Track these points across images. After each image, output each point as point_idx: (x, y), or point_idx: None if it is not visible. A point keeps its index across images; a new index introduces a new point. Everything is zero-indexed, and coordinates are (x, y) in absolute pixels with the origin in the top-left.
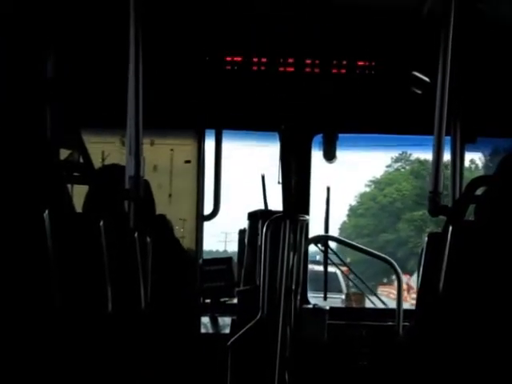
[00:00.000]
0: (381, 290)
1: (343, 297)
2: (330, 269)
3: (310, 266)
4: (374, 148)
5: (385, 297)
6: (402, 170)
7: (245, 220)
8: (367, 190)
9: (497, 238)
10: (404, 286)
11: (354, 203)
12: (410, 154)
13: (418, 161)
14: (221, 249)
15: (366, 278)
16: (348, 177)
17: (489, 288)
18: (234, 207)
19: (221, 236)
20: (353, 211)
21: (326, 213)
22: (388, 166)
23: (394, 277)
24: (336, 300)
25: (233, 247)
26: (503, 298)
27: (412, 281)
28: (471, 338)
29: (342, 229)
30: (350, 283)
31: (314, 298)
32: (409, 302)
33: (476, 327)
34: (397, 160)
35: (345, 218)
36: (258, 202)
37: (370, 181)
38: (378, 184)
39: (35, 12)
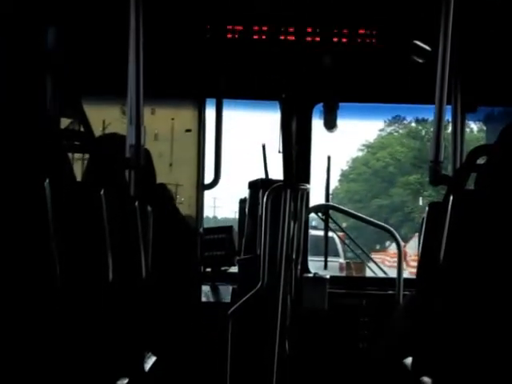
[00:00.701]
0: (374, 257)
1: (341, 260)
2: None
3: (311, 232)
4: (371, 115)
5: (379, 263)
6: (396, 133)
7: (234, 186)
8: (360, 154)
9: (498, 207)
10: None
11: (345, 168)
12: (404, 118)
13: (416, 120)
14: (210, 214)
15: (359, 245)
16: (340, 141)
17: (490, 257)
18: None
19: (210, 201)
20: (345, 176)
21: (326, 182)
22: (381, 130)
23: (387, 243)
24: (334, 264)
25: (222, 213)
26: (504, 266)
27: (408, 247)
28: (472, 306)
29: (334, 194)
30: (347, 248)
31: (312, 262)
32: (406, 270)
33: (477, 296)
34: (390, 123)
35: (337, 184)
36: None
37: (363, 145)
38: (371, 148)
39: None
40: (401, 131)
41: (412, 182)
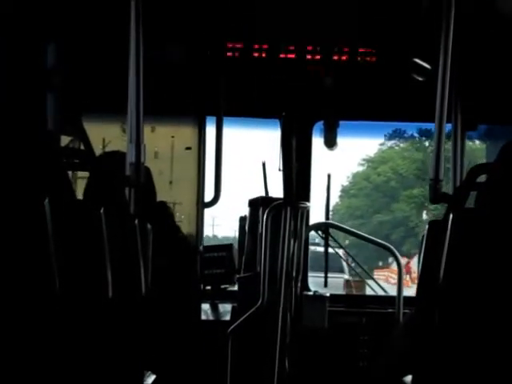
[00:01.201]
0: (378, 274)
1: (346, 276)
2: (332, 250)
3: (312, 248)
4: (371, 132)
5: (383, 281)
6: (397, 147)
7: (233, 205)
8: (360, 169)
9: (498, 225)
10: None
11: (346, 183)
12: (405, 131)
13: (419, 130)
14: (209, 233)
15: (361, 262)
16: (340, 156)
17: (490, 276)
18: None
19: (209, 220)
20: (345, 192)
21: (326, 200)
22: (382, 144)
23: (390, 260)
24: (339, 280)
25: (221, 231)
26: (504, 285)
27: (413, 263)
28: (472, 326)
29: (334, 210)
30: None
31: (315, 278)
32: (411, 287)
33: (477, 315)
34: (391, 137)
35: (337, 200)
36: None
37: (364, 159)
38: (372, 163)
39: (35, 1)
40: (402, 145)
41: (416, 195)
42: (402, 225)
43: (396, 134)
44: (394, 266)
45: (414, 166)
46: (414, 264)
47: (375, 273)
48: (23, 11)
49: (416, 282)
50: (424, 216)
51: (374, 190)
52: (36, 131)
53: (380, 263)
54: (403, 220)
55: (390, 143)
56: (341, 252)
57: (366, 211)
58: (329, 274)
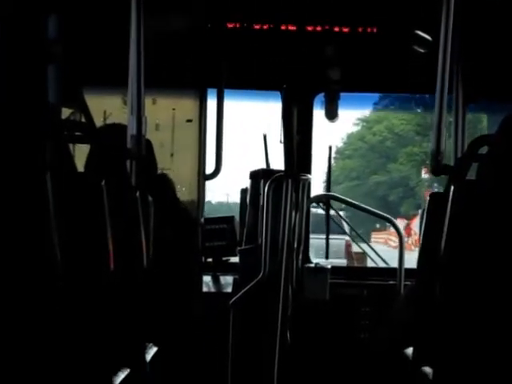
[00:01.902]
0: (376, 237)
1: (347, 238)
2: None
3: (313, 210)
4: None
5: (383, 244)
6: (392, 106)
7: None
8: (355, 129)
9: (499, 197)
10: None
11: (340, 145)
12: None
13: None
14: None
15: (358, 224)
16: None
17: (491, 248)
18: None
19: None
20: (340, 153)
21: (327, 172)
22: (375, 104)
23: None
24: (341, 242)
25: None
26: (505, 257)
27: (413, 225)
28: (473, 297)
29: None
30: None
31: (316, 240)
32: (414, 251)
33: (478, 287)
34: (384, 97)
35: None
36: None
37: (358, 119)
38: (367, 122)
39: None
40: (397, 103)
41: (416, 152)
42: (400, 185)
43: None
44: (392, 229)
45: (415, 121)
46: (415, 226)
47: (373, 235)
48: None
49: (418, 244)
50: (423, 175)
51: (369, 151)
52: (36, 104)
53: (377, 225)
54: (400, 180)
55: (384, 102)
56: (342, 213)
57: (361, 172)
58: (330, 236)
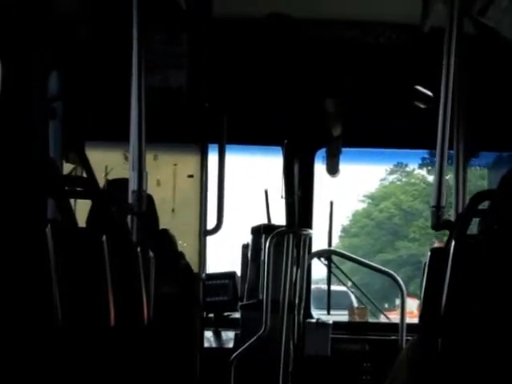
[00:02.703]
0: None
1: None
2: (342, 288)
3: (322, 286)
4: (373, 162)
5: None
6: (398, 182)
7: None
8: (361, 206)
9: (501, 252)
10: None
11: (346, 222)
12: (406, 165)
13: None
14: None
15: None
16: (339, 193)
17: (493, 304)
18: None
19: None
20: (346, 231)
21: (329, 227)
22: (382, 180)
23: (397, 301)
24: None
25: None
26: (508, 313)
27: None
28: (475, 354)
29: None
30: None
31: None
32: None
33: (480, 343)
34: (392, 172)
35: (337, 240)
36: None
37: (364, 196)
38: (373, 199)
39: (37, 28)
40: (404, 179)
41: (429, 225)
42: (408, 264)
43: (397, 168)
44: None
45: (425, 192)
46: None
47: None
48: (26, 39)
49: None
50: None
51: (376, 228)
52: (38, 159)
53: (386, 305)
54: (408, 258)
55: (391, 178)
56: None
57: (368, 250)
58: (338, 312)
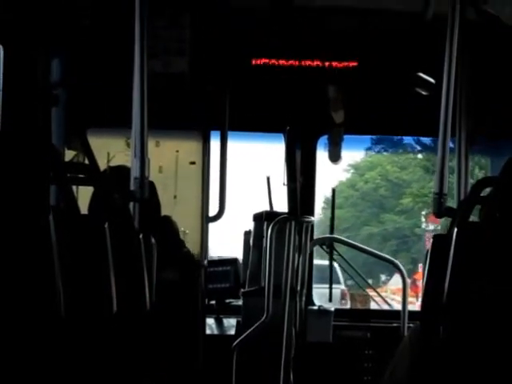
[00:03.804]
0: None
1: (342, 287)
2: (326, 262)
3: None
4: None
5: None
6: (385, 152)
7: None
8: (345, 176)
9: (503, 239)
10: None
11: (330, 193)
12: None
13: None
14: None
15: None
16: (322, 162)
17: (495, 291)
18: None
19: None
20: (329, 202)
21: (331, 214)
22: (368, 149)
23: (383, 278)
24: (336, 291)
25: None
26: (510, 300)
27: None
28: (477, 342)
29: (318, 224)
30: (350, 278)
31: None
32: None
33: (482, 331)
34: (378, 141)
35: (319, 212)
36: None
37: (349, 165)
38: (358, 169)
39: (39, 15)
40: (391, 150)
41: (426, 193)
42: (394, 237)
43: (383, 138)
44: (389, 285)
45: (419, 161)
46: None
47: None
48: (28, 26)
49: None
50: (424, 225)
51: (361, 199)
52: (40, 146)
53: (370, 281)
54: (395, 232)
55: (377, 148)
56: (336, 264)
57: (353, 223)
58: (324, 285)
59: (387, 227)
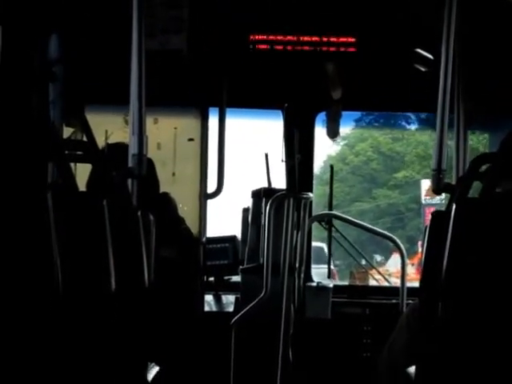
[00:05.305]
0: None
1: (332, 267)
2: (317, 244)
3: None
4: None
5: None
6: (376, 123)
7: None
8: (334, 149)
9: (501, 215)
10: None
11: (319, 167)
12: None
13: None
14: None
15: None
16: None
17: (493, 267)
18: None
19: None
20: (318, 177)
21: (330, 191)
22: (358, 120)
23: (379, 258)
24: (323, 271)
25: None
26: (508, 277)
27: (388, 265)
28: (476, 316)
29: None
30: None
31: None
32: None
33: (480, 307)
34: (368, 113)
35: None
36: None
37: (338, 137)
38: (348, 140)
39: None
40: (381, 120)
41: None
42: (387, 214)
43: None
44: (387, 266)
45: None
46: (389, 266)
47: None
48: (26, 3)
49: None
50: (423, 199)
51: (351, 174)
52: (38, 123)
53: (363, 262)
54: (387, 208)
55: (368, 119)
56: (324, 245)
57: (343, 199)
58: (314, 265)
59: (380, 203)
